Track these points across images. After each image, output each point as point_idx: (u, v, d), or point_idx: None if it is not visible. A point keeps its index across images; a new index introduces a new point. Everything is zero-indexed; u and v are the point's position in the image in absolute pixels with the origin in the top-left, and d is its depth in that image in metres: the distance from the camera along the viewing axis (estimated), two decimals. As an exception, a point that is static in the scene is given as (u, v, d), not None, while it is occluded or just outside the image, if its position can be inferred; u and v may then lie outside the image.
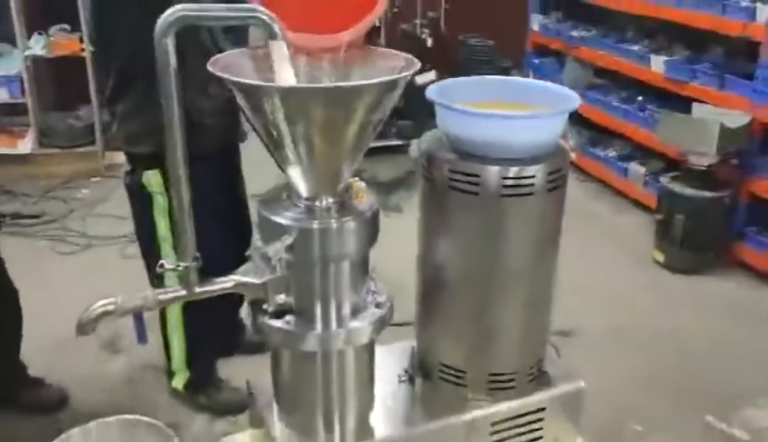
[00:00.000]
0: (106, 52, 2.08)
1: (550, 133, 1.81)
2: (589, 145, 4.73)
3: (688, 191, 3.51)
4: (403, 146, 5.12)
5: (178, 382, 2.45)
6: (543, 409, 1.99)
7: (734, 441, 2.45)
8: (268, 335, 1.75)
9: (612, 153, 4.61)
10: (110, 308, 1.60)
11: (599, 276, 3.39)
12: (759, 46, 3.43)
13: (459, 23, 5.50)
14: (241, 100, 1.56)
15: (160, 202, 2.16)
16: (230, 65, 1.63)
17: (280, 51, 1.51)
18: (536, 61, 5.30)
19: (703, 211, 3.50)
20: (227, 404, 2.50)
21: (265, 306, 1.69)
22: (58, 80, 4.81)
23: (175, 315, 2.29)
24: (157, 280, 2.24)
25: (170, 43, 1.42)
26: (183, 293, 1.64)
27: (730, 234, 3.62)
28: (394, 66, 1.68)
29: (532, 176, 1.75)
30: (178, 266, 1.61)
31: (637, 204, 4.27)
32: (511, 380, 1.94)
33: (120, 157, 5.06)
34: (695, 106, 3.67)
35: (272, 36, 1.48)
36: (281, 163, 1.65)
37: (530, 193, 1.76)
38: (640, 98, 4.46)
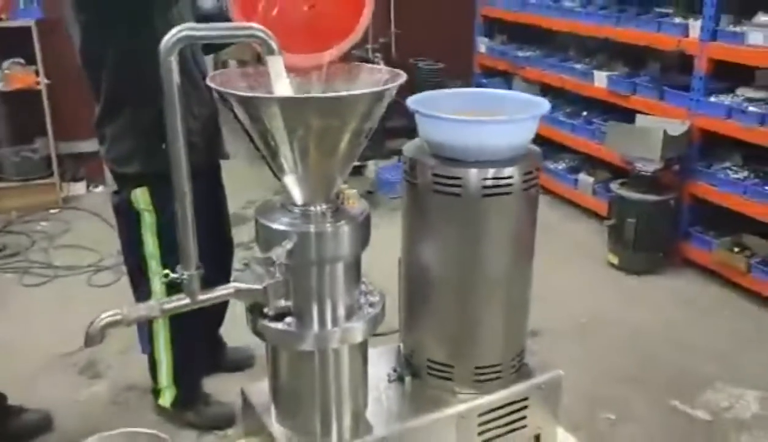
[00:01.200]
0: (94, 76, 2.14)
1: (524, 136, 1.96)
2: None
3: (637, 196, 3.73)
4: (360, 167, 5.24)
5: (166, 399, 2.48)
6: (526, 398, 2.12)
7: (697, 422, 2.62)
8: (267, 338, 1.83)
9: (562, 165, 4.84)
10: (117, 318, 1.65)
11: (559, 281, 3.56)
12: (692, 59, 3.70)
13: (409, 47, 5.68)
14: (240, 113, 1.65)
15: (147, 219, 2.22)
16: (225, 82, 1.72)
17: (277, 65, 1.61)
18: (484, 81, 5.51)
19: (651, 214, 3.72)
20: (215, 418, 2.53)
21: (265, 310, 1.77)
22: (13, 113, 4.77)
23: (163, 334, 2.33)
24: (142, 297, 2.28)
25: (175, 62, 1.51)
26: (187, 301, 1.71)
27: (676, 235, 3.85)
28: (378, 79, 1.80)
29: (510, 177, 1.90)
30: (183, 275, 1.67)
31: (588, 212, 4.48)
32: (497, 371, 2.06)
33: (78, 189, 5.08)
34: (639, 117, 3.91)
35: (270, 51, 1.58)
36: (277, 172, 1.74)
37: (509, 193, 1.90)
38: (585, 113, 4.71)
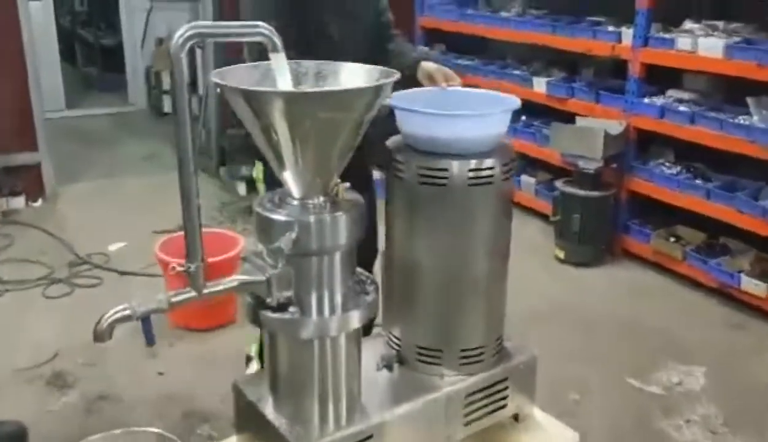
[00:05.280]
0: None
1: (501, 129, 2.10)
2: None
3: (582, 193, 3.96)
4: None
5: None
6: (506, 379, 2.24)
7: (653, 396, 2.82)
8: (269, 327, 1.89)
9: (503, 168, 5.04)
10: (127, 312, 1.67)
11: (513, 275, 3.72)
12: (625, 64, 3.98)
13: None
14: (242, 108, 1.71)
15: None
16: (229, 77, 1.78)
17: (280, 62, 1.69)
18: (424, 89, 5.68)
19: (594, 209, 3.95)
20: None
21: (268, 300, 1.83)
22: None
23: None
24: None
25: (185, 59, 1.56)
26: (193, 294, 1.75)
27: (616, 228, 4.11)
28: (372, 76, 1.90)
29: (492, 167, 2.02)
30: (189, 267, 1.71)
31: (532, 211, 4.70)
32: (481, 353, 2.17)
33: (16, 203, 4.91)
34: (578, 119, 4.16)
35: (274, 49, 1.66)
36: (277, 167, 1.81)
37: (490, 183, 2.03)
38: (524, 117, 4.95)
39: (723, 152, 3.59)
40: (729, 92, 3.84)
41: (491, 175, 2.02)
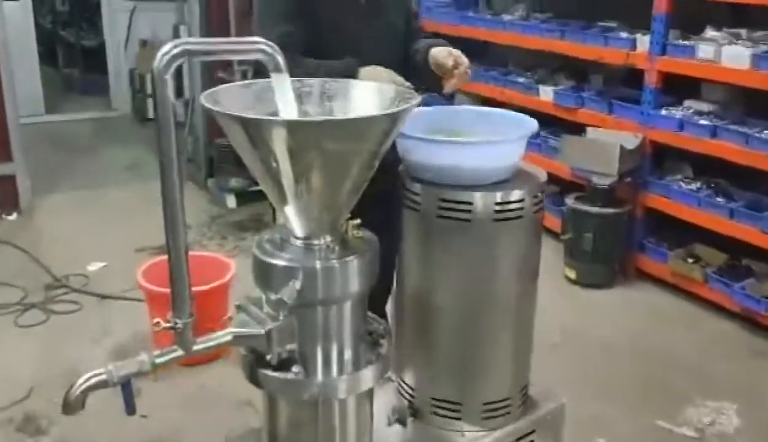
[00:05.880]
0: None
1: (521, 152, 1.86)
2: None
3: (594, 210, 3.73)
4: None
5: None
6: (533, 431, 2.00)
7: (686, 440, 2.59)
8: (267, 388, 1.63)
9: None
10: (101, 378, 1.42)
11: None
12: (639, 73, 3.75)
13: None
14: (237, 136, 1.46)
15: None
16: (221, 100, 1.53)
17: (282, 84, 1.43)
18: (425, 96, 5.43)
19: (608, 227, 3.72)
20: None
21: (268, 357, 1.57)
22: None
23: None
24: None
25: (170, 81, 1.31)
26: (180, 352, 1.50)
27: (631, 247, 3.87)
28: (386, 95, 1.64)
29: (521, 199, 1.78)
30: (176, 323, 1.46)
31: (538, 227, 4.46)
32: (506, 406, 1.93)
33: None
34: (589, 130, 3.92)
35: (276, 68, 1.40)
36: (278, 201, 1.56)
37: (520, 217, 1.79)
38: (528, 127, 4.70)
39: (742, 167, 3.37)
40: (750, 104, 3.62)
41: (520, 208, 1.78)
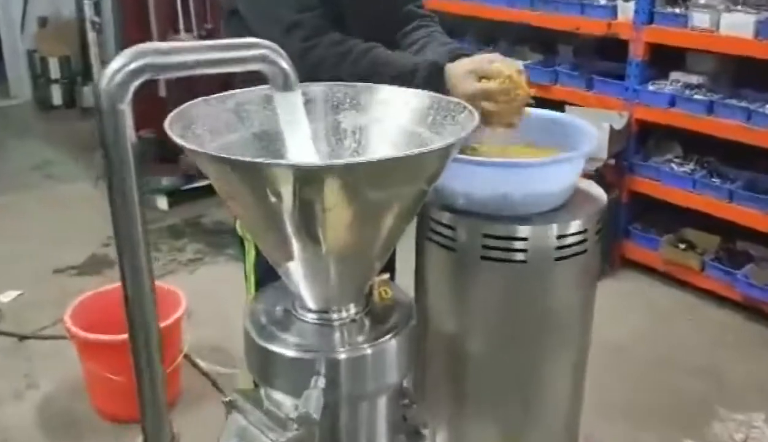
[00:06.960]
0: None
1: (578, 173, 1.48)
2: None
3: (581, 197, 3.41)
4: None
5: None
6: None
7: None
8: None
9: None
10: None
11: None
12: (610, 43, 3.41)
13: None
14: (227, 183, 1.01)
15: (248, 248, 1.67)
16: (193, 125, 1.07)
17: (292, 106, 0.99)
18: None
19: (595, 215, 3.41)
20: None
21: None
22: None
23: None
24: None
25: (128, 110, 0.85)
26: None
27: (617, 234, 3.58)
28: (423, 105, 1.21)
29: (583, 230, 1.40)
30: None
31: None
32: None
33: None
34: (568, 108, 3.57)
35: (285, 85, 0.95)
36: (281, 261, 1.12)
37: (584, 251, 1.41)
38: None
39: (736, 145, 3.10)
40: (740, 73, 3.34)
41: (583, 241, 1.39)
